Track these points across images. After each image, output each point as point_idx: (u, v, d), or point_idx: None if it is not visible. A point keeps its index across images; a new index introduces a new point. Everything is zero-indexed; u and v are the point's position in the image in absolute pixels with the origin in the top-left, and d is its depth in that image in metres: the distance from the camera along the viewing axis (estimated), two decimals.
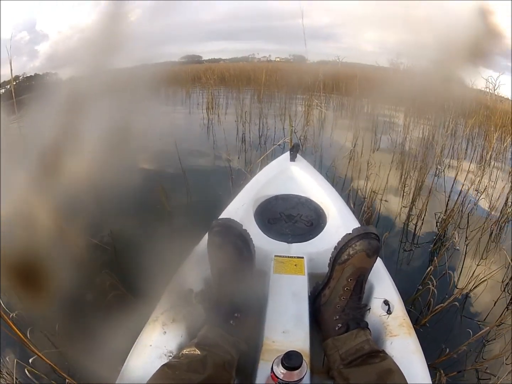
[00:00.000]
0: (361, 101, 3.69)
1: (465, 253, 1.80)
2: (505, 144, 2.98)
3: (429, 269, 1.39)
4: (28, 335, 0.96)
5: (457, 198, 2.05)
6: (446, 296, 1.30)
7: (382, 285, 0.93)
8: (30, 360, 0.92)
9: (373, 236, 0.82)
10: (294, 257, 1.01)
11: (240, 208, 1.20)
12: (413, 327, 0.83)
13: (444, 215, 2.03)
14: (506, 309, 1.41)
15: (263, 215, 1.24)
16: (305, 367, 0.61)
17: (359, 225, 1.05)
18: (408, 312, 0.89)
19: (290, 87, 4.06)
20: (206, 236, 0.86)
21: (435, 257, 1.70)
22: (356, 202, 2.09)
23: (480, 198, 2.21)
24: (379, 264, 0.95)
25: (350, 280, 0.83)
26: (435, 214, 2.12)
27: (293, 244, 1.11)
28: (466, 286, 1.45)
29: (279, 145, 2.31)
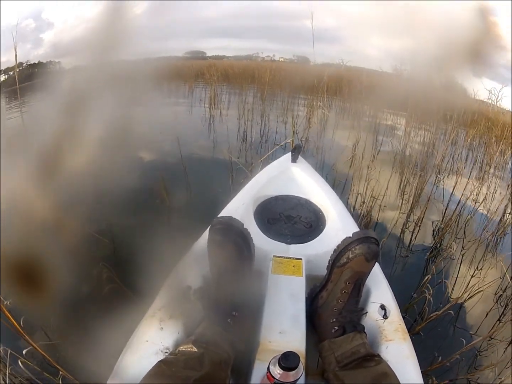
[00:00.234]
0: (363, 105, 3.70)
1: (461, 263, 1.80)
2: (505, 157, 3.00)
3: (426, 277, 1.39)
4: (21, 323, 0.95)
5: (455, 208, 2.06)
6: (441, 305, 1.31)
7: (379, 290, 0.93)
8: (24, 352, 0.91)
9: (373, 241, 0.83)
10: (293, 258, 1.01)
11: (240, 207, 1.20)
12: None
13: (442, 224, 2.04)
14: (498, 321, 1.42)
15: (263, 214, 1.23)
16: (301, 368, 0.61)
17: (358, 229, 1.05)
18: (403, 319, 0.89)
19: (293, 88, 4.05)
20: (206, 232, 0.86)
21: (431, 265, 1.70)
22: (355, 206, 2.10)
23: (478, 208, 2.22)
24: (376, 268, 0.96)
25: (348, 283, 0.83)
26: (433, 222, 2.13)
27: (292, 245, 1.11)
28: (461, 296, 1.45)
29: (281, 145, 2.31)
